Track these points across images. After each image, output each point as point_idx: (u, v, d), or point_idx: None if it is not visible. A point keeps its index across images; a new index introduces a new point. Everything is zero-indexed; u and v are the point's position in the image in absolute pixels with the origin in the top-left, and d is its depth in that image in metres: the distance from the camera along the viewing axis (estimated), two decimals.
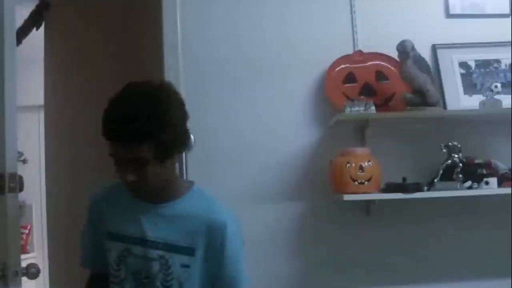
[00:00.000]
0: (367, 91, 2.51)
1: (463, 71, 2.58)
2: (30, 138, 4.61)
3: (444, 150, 2.38)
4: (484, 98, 2.45)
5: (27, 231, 4.91)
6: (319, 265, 2.48)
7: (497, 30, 2.58)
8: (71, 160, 2.76)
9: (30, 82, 3.44)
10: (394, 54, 2.46)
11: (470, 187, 2.37)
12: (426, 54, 2.53)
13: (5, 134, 1.61)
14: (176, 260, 1.53)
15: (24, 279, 1.66)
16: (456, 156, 2.38)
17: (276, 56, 2.54)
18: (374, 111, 2.36)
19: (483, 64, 2.60)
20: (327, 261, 2.47)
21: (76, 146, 2.71)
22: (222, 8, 2.55)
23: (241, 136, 2.50)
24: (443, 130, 2.50)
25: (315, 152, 2.51)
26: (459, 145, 2.38)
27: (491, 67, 2.59)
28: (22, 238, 4.73)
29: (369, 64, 2.54)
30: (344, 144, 2.41)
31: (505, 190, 2.35)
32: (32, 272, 1.69)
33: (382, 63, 2.55)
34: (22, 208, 4.68)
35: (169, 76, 2.15)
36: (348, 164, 2.31)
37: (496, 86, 2.42)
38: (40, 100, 3.16)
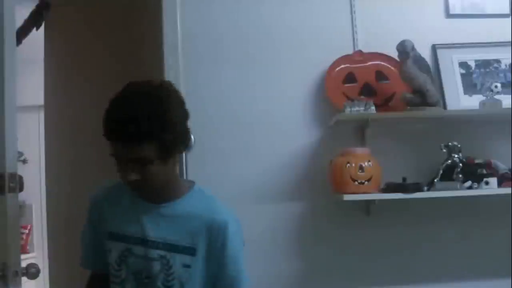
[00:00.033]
0: (367, 91, 2.51)
1: (463, 71, 2.58)
2: (30, 138, 4.61)
3: (444, 150, 2.38)
4: (484, 98, 2.45)
5: (27, 231, 4.91)
6: (319, 265, 2.48)
7: (497, 30, 2.58)
8: (71, 160, 2.76)
9: (30, 82, 3.44)
10: (394, 54, 2.46)
11: (470, 187, 2.36)
12: (426, 54, 2.53)
13: (5, 134, 1.61)
14: (178, 260, 1.53)
15: (24, 279, 1.66)
16: (456, 156, 2.37)
17: (276, 56, 2.54)
18: (374, 111, 2.35)
19: (483, 64, 2.59)
20: (327, 261, 2.47)
21: (76, 146, 2.71)
22: (222, 8, 2.55)
23: (241, 136, 2.50)
24: (443, 130, 2.50)
25: (315, 152, 2.51)
26: (459, 145, 2.38)
27: (491, 67, 2.59)
28: (22, 238, 4.73)
29: (369, 64, 2.54)
30: (344, 144, 2.41)
31: (505, 190, 2.35)
32: (32, 272, 1.69)
33: (382, 63, 2.55)
34: (22, 208, 4.68)
35: (169, 76, 2.16)
36: (348, 164, 2.31)
37: (496, 86, 2.42)
38: (40, 100, 3.16)
